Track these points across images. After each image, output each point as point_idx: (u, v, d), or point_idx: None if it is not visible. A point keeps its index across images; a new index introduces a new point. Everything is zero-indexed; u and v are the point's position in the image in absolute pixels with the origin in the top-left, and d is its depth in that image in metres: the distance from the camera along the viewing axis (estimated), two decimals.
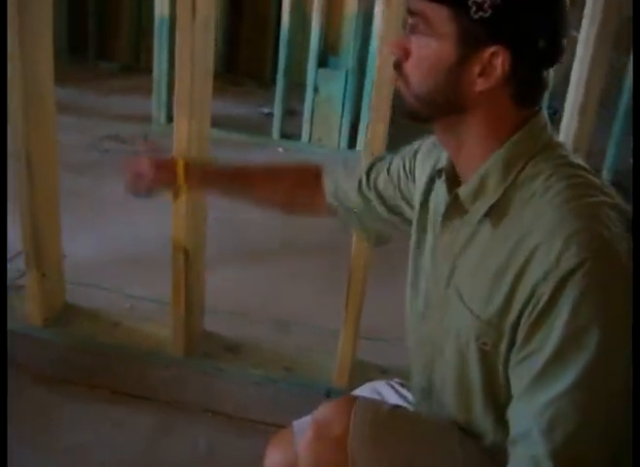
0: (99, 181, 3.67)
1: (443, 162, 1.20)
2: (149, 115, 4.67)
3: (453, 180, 1.16)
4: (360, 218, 1.50)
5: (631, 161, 5.02)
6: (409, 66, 1.07)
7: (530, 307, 0.98)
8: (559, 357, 0.95)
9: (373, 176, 1.43)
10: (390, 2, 1.60)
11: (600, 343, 0.95)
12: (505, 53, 1.00)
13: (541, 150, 1.07)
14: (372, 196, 1.42)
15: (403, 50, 1.06)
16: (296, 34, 4.79)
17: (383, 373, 2.05)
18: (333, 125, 4.60)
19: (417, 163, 1.34)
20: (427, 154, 1.30)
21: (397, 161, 1.40)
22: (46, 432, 1.85)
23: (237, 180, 1.63)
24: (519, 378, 1.01)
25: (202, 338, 2.16)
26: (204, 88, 1.83)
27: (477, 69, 1.02)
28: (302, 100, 4.58)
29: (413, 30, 1.05)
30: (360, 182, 1.44)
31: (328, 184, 1.52)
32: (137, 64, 6.07)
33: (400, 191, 1.39)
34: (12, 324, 2.09)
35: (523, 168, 1.06)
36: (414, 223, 1.30)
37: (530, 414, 0.98)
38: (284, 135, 4.70)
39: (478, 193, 1.09)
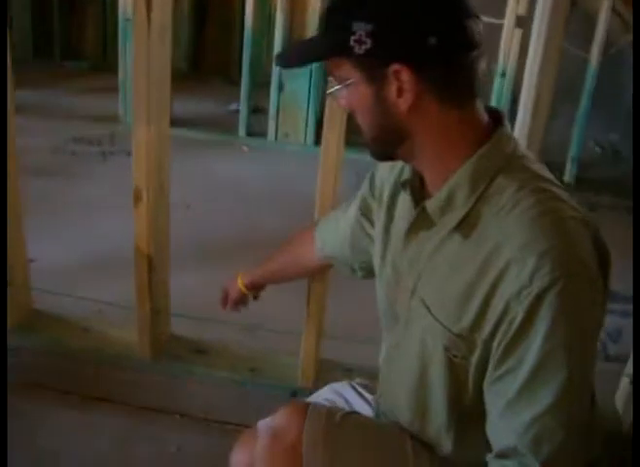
0: (67, 184, 3.68)
1: (406, 174, 1.21)
2: (116, 115, 4.66)
3: (419, 192, 1.18)
4: (351, 260, 1.52)
5: (596, 149, 5.11)
6: (357, 117, 1.13)
7: (505, 325, 1.00)
8: (538, 375, 0.99)
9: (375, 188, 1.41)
10: None
11: (576, 359, 0.99)
12: (404, 67, 1.03)
13: (508, 162, 1.08)
14: (374, 204, 1.39)
15: (345, 106, 1.13)
16: (260, 32, 4.80)
17: (348, 371, 2.08)
18: (299, 122, 4.62)
19: (377, 183, 1.36)
20: (389, 169, 1.31)
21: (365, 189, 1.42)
22: (15, 437, 1.85)
23: (278, 277, 1.73)
24: (498, 395, 1.04)
25: (169, 341, 2.18)
26: (162, 91, 1.84)
27: (393, 93, 1.05)
28: (268, 98, 4.59)
29: (335, 86, 1.12)
30: (363, 200, 1.43)
31: (318, 245, 1.57)
32: (104, 63, 6.04)
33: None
34: None
35: (492, 181, 1.07)
36: (378, 234, 1.32)
37: (514, 432, 1.01)
38: (250, 133, 4.71)
39: (446, 206, 1.10)
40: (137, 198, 1.87)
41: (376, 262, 1.32)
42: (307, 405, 1.25)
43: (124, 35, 4.40)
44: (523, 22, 3.90)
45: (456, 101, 1.07)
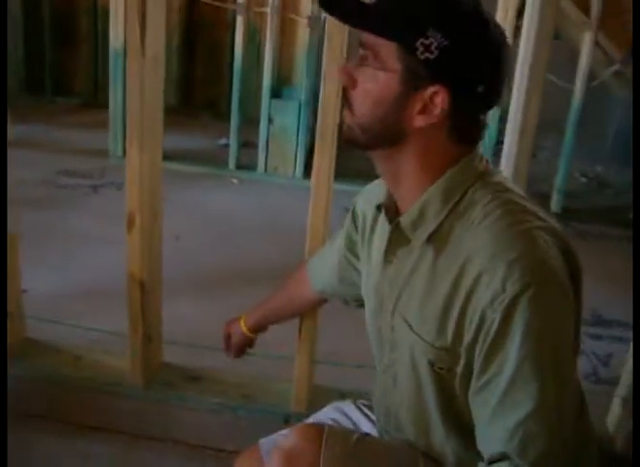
0: (59, 215, 3.70)
1: (381, 199, 1.24)
2: (106, 149, 4.69)
3: (394, 213, 1.20)
4: (342, 293, 1.55)
5: (582, 179, 5.16)
6: (355, 95, 1.11)
7: (483, 334, 1.03)
8: (518, 380, 1.01)
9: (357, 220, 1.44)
10: (332, 36, 1.65)
11: (552, 362, 1.02)
12: (445, 94, 1.05)
13: (479, 178, 1.12)
14: (358, 237, 1.41)
15: (350, 77, 1.11)
16: (249, 67, 4.86)
17: (342, 397, 2.07)
18: (288, 155, 4.65)
19: (359, 216, 1.38)
20: (368, 201, 1.34)
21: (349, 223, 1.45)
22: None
23: (279, 317, 1.75)
24: (483, 405, 1.06)
25: (162, 368, 2.17)
26: (155, 123, 1.87)
27: (418, 106, 1.07)
28: (257, 131, 4.64)
29: (362, 62, 1.09)
30: (348, 235, 1.45)
31: (311, 280, 1.60)
32: (95, 100, 6.07)
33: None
34: None
35: (462, 197, 1.10)
36: (363, 265, 1.35)
37: (501, 439, 1.03)
38: (240, 166, 4.74)
39: (418, 221, 1.13)
40: (130, 223, 1.89)
41: (363, 292, 1.35)
42: (322, 428, 1.23)
43: (116, 70, 4.43)
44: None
45: (462, 142, 1.12)
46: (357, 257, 1.41)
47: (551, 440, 1.01)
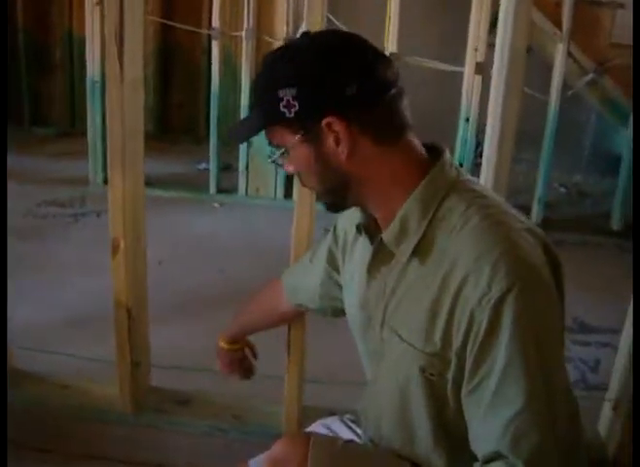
0: (41, 245, 3.70)
1: (360, 219, 1.26)
2: (86, 177, 4.68)
3: (374, 232, 1.22)
4: (322, 308, 1.55)
5: (561, 190, 5.21)
6: (302, 180, 1.22)
7: (473, 335, 1.04)
8: (507, 377, 1.02)
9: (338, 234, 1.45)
10: None
11: (542, 358, 1.03)
12: (334, 118, 1.10)
13: (453, 186, 1.14)
14: (339, 254, 1.43)
15: (291, 171, 1.21)
16: (226, 90, 4.87)
17: (332, 415, 2.07)
18: (268, 177, 4.65)
19: (340, 234, 1.40)
20: (349, 219, 1.36)
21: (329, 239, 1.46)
22: None
23: (256, 327, 1.77)
24: (475, 405, 1.07)
25: (150, 393, 2.16)
26: (136, 147, 1.87)
27: (331, 144, 1.12)
28: (237, 154, 4.64)
29: (280, 156, 1.19)
30: (329, 251, 1.47)
31: (287, 294, 1.61)
32: (73, 129, 6.07)
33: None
34: None
35: (440, 205, 1.12)
36: (346, 282, 1.37)
37: (493, 437, 1.04)
38: (221, 189, 4.74)
39: (400, 235, 1.14)
40: (115, 249, 1.88)
41: (348, 309, 1.36)
42: (308, 435, 1.24)
43: (93, 97, 4.44)
44: (482, 69, 4.02)
45: (389, 139, 1.15)
46: (339, 273, 1.42)
47: (544, 435, 1.02)
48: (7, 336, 1.93)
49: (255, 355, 1.81)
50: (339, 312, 1.50)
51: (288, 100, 1.10)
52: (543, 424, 1.02)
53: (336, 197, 1.21)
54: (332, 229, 1.45)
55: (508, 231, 1.08)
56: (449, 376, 1.10)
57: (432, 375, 1.12)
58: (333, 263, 1.44)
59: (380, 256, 1.19)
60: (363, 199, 1.19)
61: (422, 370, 1.12)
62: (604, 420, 1.99)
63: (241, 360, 1.77)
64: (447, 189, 1.14)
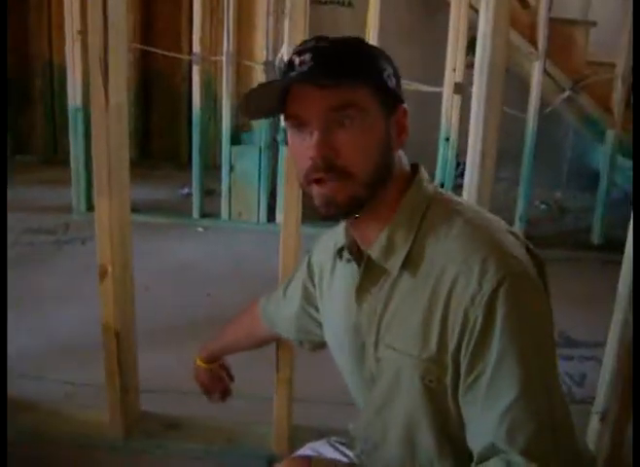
0: (26, 274, 3.68)
1: (341, 242, 1.26)
2: (69, 205, 4.68)
3: (357, 254, 1.23)
4: (298, 339, 1.57)
5: (542, 207, 5.26)
6: (347, 159, 1.10)
7: (468, 334, 1.06)
8: (501, 370, 1.03)
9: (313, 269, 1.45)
10: None
11: (533, 349, 1.05)
12: (404, 109, 1.16)
13: (433, 198, 1.17)
14: (315, 291, 1.43)
15: (331, 149, 1.10)
16: (207, 115, 4.89)
17: (322, 436, 2.07)
18: (251, 200, 4.67)
19: (315, 269, 1.41)
20: (322, 250, 1.38)
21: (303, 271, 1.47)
22: None
23: (234, 349, 1.77)
24: (472, 402, 1.07)
25: (141, 418, 2.15)
26: (122, 172, 1.88)
27: (395, 131, 1.15)
28: (219, 179, 4.66)
29: (338, 125, 1.10)
30: (304, 287, 1.47)
31: (265, 323, 1.63)
32: (54, 156, 6.08)
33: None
34: None
35: (424, 217, 1.15)
36: (327, 317, 1.37)
37: (489, 430, 1.04)
38: (204, 214, 4.75)
39: (388, 249, 1.16)
40: (102, 274, 1.88)
41: (333, 342, 1.37)
42: (308, 459, 1.25)
43: (76, 125, 4.45)
44: (461, 89, 4.07)
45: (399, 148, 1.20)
46: (316, 308, 1.43)
47: (540, 425, 1.02)
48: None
49: (231, 377, 1.81)
50: (317, 346, 1.52)
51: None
52: (539, 414, 1.03)
53: (369, 193, 1.13)
54: (306, 263, 1.45)
55: (492, 232, 1.11)
56: (448, 381, 1.10)
57: (430, 381, 1.12)
58: (308, 299, 1.45)
59: (369, 275, 1.20)
60: (370, 205, 1.15)
61: (421, 377, 1.13)
62: (592, 433, 2.00)
63: (219, 379, 1.78)
64: (428, 202, 1.16)
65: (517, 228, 4.43)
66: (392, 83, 1.14)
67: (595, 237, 4.51)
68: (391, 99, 1.15)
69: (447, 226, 1.12)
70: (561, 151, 5.52)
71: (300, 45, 1.16)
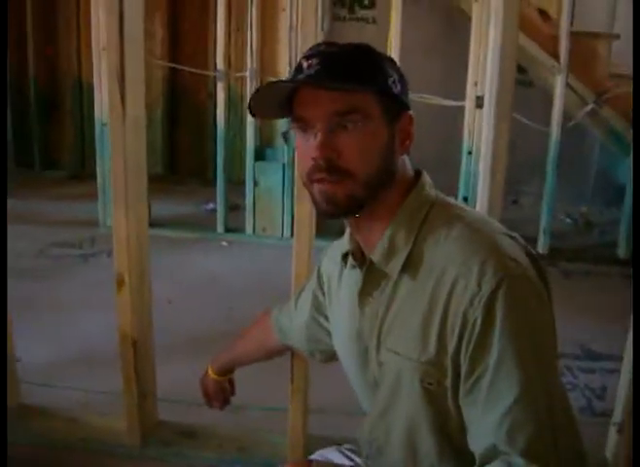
0: (51, 285, 3.74)
1: (346, 248, 1.28)
2: (96, 219, 4.75)
3: (361, 259, 1.24)
4: (309, 350, 1.58)
5: (567, 221, 5.23)
6: (348, 160, 1.13)
7: (467, 336, 1.06)
8: (501, 371, 1.04)
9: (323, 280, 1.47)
10: None
11: (533, 350, 1.04)
12: (409, 117, 1.17)
13: (434, 202, 1.19)
14: (324, 300, 1.45)
15: (333, 150, 1.13)
16: (232, 131, 4.94)
17: (337, 445, 2.07)
18: (275, 215, 4.72)
19: (324, 278, 1.43)
20: (331, 259, 1.39)
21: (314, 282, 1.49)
22: None
23: (245, 361, 1.77)
24: (473, 404, 1.07)
25: (157, 426, 2.17)
26: (139, 184, 1.92)
27: (399, 137, 1.17)
28: (243, 194, 4.71)
29: (341, 128, 1.12)
30: (314, 297, 1.48)
31: (277, 334, 1.63)
32: (82, 172, 6.18)
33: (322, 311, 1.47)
34: None
35: (424, 221, 1.16)
36: (335, 326, 1.38)
37: (489, 432, 1.04)
38: (229, 229, 4.80)
39: (389, 252, 1.17)
40: (120, 283, 1.92)
41: (340, 349, 1.38)
42: (310, 462, 1.25)
43: (102, 141, 4.50)
44: (483, 103, 4.06)
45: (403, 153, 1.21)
46: (326, 317, 1.44)
47: (540, 426, 1.02)
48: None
49: (233, 391, 1.82)
50: (328, 357, 1.52)
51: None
52: (539, 415, 1.02)
53: (369, 194, 1.15)
54: (315, 273, 1.47)
55: (491, 235, 1.12)
56: (448, 383, 1.11)
57: (430, 384, 1.12)
58: (318, 308, 1.46)
59: (371, 279, 1.21)
60: (371, 208, 1.18)
61: (421, 381, 1.13)
62: (610, 445, 1.99)
63: (222, 391, 1.79)
64: (429, 205, 1.18)
65: (541, 241, 4.42)
66: (397, 89, 1.16)
67: (621, 252, 4.47)
68: (396, 106, 1.17)
69: (447, 228, 1.13)
70: (587, 165, 5.49)
71: (309, 49, 1.19)
